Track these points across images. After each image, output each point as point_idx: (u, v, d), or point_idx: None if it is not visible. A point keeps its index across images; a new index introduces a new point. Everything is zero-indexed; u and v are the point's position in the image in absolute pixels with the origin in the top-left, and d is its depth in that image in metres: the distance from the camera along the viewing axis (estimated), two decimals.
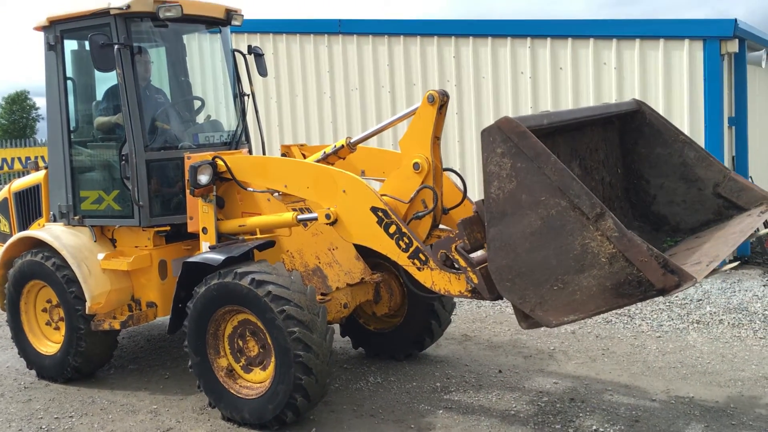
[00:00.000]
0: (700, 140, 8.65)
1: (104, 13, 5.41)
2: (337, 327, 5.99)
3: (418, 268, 4.19)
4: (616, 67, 9.00)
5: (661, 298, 7.45)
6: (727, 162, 8.92)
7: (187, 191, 5.21)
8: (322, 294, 5.15)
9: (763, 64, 9.69)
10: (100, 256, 5.63)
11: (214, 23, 6.10)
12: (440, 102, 4.42)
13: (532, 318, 3.64)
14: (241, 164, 5.14)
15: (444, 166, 4.73)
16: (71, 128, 5.85)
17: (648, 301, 7.47)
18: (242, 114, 6.36)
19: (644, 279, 3.10)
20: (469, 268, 3.93)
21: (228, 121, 6.40)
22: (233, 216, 5.23)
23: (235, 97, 6.38)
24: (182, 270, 4.93)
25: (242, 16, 6.20)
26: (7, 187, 6.80)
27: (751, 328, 6.55)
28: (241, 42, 11.24)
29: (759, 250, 9.69)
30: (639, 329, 6.68)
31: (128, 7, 5.33)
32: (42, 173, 6.28)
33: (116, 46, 5.31)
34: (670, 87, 8.75)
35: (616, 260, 3.15)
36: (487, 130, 3.45)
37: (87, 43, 5.39)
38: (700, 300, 7.50)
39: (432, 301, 5.67)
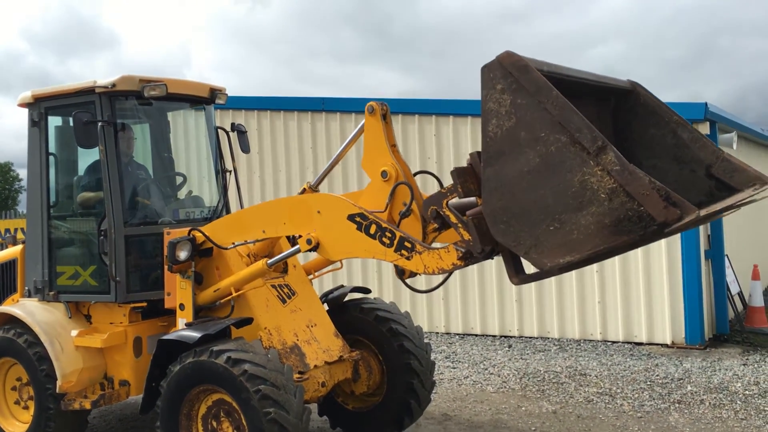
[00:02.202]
0: None
1: (90, 90, 5.50)
2: (314, 406, 5.87)
3: (407, 258, 4.11)
4: None
5: (642, 377, 7.40)
6: (702, 241, 9.06)
7: (165, 267, 5.18)
8: (299, 372, 5.07)
9: (734, 146, 9.96)
10: (74, 332, 5.53)
11: (198, 101, 6.22)
12: (381, 111, 4.52)
13: (523, 273, 3.52)
14: (218, 227, 5.14)
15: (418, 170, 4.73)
16: (51, 203, 5.85)
17: (628, 379, 7.43)
18: (224, 190, 6.40)
19: (645, 213, 2.98)
20: (460, 224, 3.83)
21: (210, 196, 6.43)
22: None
23: (217, 173, 6.44)
24: (157, 347, 4.85)
25: (226, 95, 6.33)
26: None
27: (732, 408, 6.50)
28: (226, 118, 11.41)
29: (738, 329, 9.73)
30: (621, 409, 6.61)
31: (114, 85, 5.43)
32: (19, 247, 6.23)
33: (100, 124, 5.38)
34: None
35: (616, 195, 3.03)
36: (487, 66, 3.33)
37: (71, 120, 5.46)
38: (681, 379, 7.47)
39: (411, 379, 5.59)
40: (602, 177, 3.05)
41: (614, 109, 4.60)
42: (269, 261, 4.93)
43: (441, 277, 4.46)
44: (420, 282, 5.29)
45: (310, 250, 4.53)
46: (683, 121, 4.32)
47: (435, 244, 4.28)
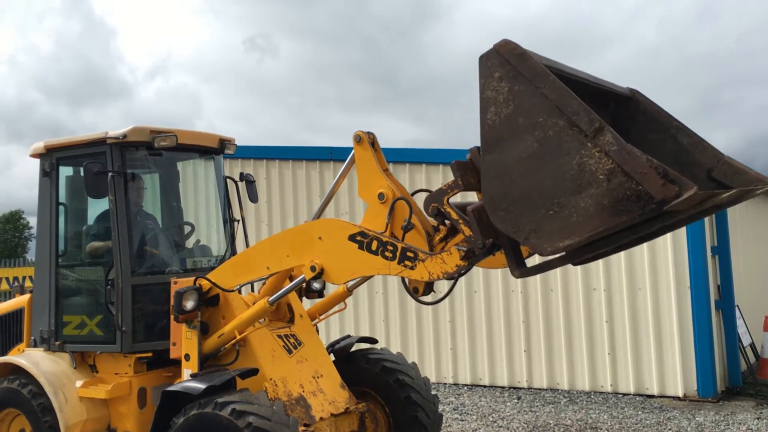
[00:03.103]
0: (684, 270, 8.77)
1: (101, 141, 5.58)
2: None
3: (411, 267, 4.08)
4: None
5: (654, 430, 7.25)
6: (712, 291, 8.99)
7: (172, 316, 5.17)
8: (305, 425, 5.00)
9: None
10: (78, 383, 5.49)
11: (207, 152, 6.29)
12: (368, 139, 4.56)
13: (524, 266, 3.46)
14: (223, 272, 5.13)
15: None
16: (60, 252, 5.88)
17: (641, 426, 7.28)
18: (231, 239, 6.42)
19: (643, 192, 2.95)
20: (461, 220, 3.81)
21: (217, 245, 6.46)
22: None
23: (225, 222, 6.47)
24: (161, 399, 4.80)
25: (235, 145, 6.41)
26: None
27: None
28: (235, 167, 11.54)
29: (751, 381, 9.56)
30: None
31: (125, 136, 5.51)
32: (26, 297, 6.24)
33: (110, 174, 5.44)
34: None
35: (615, 175, 3.01)
36: (485, 55, 3.35)
37: (82, 170, 5.53)
38: None
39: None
40: (600, 158, 3.06)
41: (613, 116, 4.56)
42: (270, 298, 4.92)
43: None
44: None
45: (314, 278, 4.51)
46: (683, 126, 4.30)
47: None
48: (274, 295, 4.96)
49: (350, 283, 5.79)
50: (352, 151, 4.69)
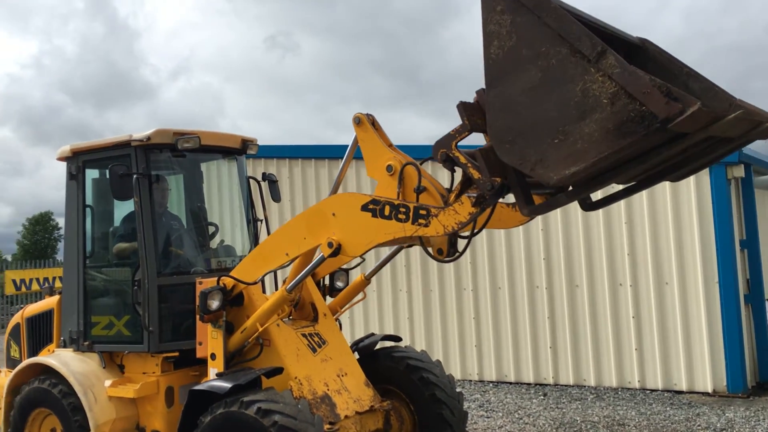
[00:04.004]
0: (713, 264, 8.65)
1: (126, 144, 5.65)
2: None
3: (425, 225, 4.08)
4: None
5: (683, 427, 7.17)
6: (741, 285, 8.85)
7: (197, 316, 5.22)
8: (330, 423, 5.02)
9: None
10: (107, 383, 5.57)
11: (230, 152, 6.34)
12: (368, 120, 4.56)
13: (533, 203, 3.45)
14: (244, 267, 5.16)
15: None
16: (87, 254, 5.97)
17: (669, 430, 7.19)
18: (255, 239, 6.47)
19: (647, 112, 2.91)
20: (469, 164, 3.77)
21: (241, 245, 6.51)
22: None
23: (248, 222, 6.52)
24: (188, 398, 4.85)
25: (257, 145, 6.45)
26: (20, 312, 6.85)
27: None
28: (258, 167, 11.60)
29: None
30: None
31: (149, 138, 5.58)
32: (55, 298, 6.34)
33: (135, 176, 5.51)
34: (679, 211, 8.85)
35: (618, 98, 2.98)
36: None
37: (107, 173, 5.60)
38: (724, 429, 7.21)
39: (443, 430, 5.49)
40: (603, 82, 3.02)
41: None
42: (288, 286, 4.93)
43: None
44: None
45: (332, 255, 4.51)
46: (694, 72, 4.20)
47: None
48: (292, 282, 4.96)
49: (368, 272, 5.81)
50: (354, 135, 4.68)
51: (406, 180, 4.41)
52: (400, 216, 4.18)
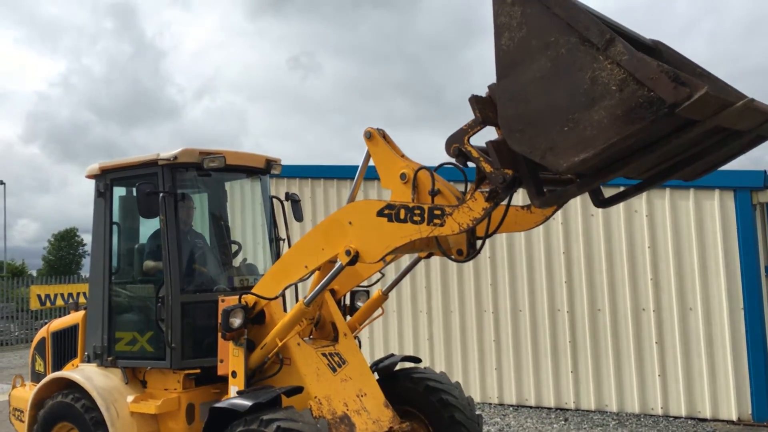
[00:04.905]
0: (738, 290, 8.54)
1: (153, 163, 5.76)
2: None
3: (441, 224, 4.09)
4: (648, 214, 9.09)
5: None
6: (766, 308, 8.72)
7: (219, 334, 5.26)
8: None
9: None
10: (130, 398, 5.63)
11: (255, 172, 6.42)
12: (379, 133, 4.60)
13: (543, 194, 3.46)
14: (265, 283, 5.20)
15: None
16: (113, 270, 6.06)
17: None
18: (277, 257, 6.52)
19: (655, 97, 2.93)
20: (481, 158, 3.78)
21: (263, 264, 6.57)
22: None
23: (271, 241, 6.59)
24: (209, 415, 4.88)
25: (281, 165, 6.53)
26: (46, 326, 6.96)
27: None
28: (281, 186, 11.71)
29: None
30: None
31: (176, 158, 5.68)
32: (81, 313, 6.44)
33: (161, 194, 5.60)
34: (703, 236, 8.77)
35: (626, 84, 3.00)
36: None
37: (134, 191, 5.71)
38: None
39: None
40: (612, 69, 3.04)
41: None
42: (306, 299, 4.96)
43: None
44: None
45: (350, 263, 4.54)
46: (707, 72, 4.20)
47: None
48: (310, 295, 5.00)
49: (385, 287, 5.83)
50: (366, 149, 4.72)
51: (420, 185, 4.44)
52: (415, 218, 4.21)
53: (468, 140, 3.87)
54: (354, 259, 4.53)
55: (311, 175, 12.27)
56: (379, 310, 5.92)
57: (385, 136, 4.70)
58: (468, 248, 4.52)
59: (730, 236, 8.59)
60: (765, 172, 8.62)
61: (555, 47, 3.23)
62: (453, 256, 4.57)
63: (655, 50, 4.40)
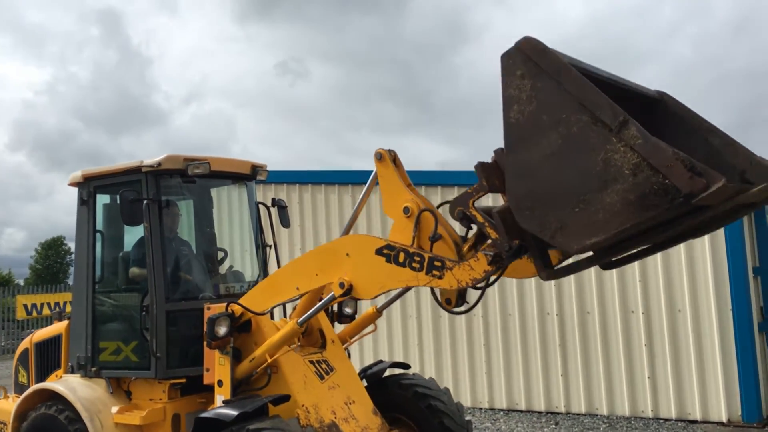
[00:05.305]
0: (726, 292, 8.56)
1: (136, 170, 5.68)
2: None
3: (439, 277, 4.04)
4: None
5: None
6: (755, 313, 8.74)
7: (205, 343, 5.20)
8: None
9: None
10: (114, 409, 5.54)
11: (240, 178, 6.36)
12: (389, 156, 4.56)
13: (551, 267, 3.40)
14: (254, 297, 5.15)
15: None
16: (96, 279, 5.98)
17: None
18: (264, 264, 6.46)
19: (670, 186, 2.86)
20: (486, 223, 3.75)
21: (250, 271, 6.50)
22: None
23: (257, 247, 6.52)
24: (194, 426, 4.80)
25: (267, 171, 6.47)
26: (29, 337, 6.86)
27: None
28: (269, 192, 11.65)
29: None
30: None
31: (159, 164, 5.61)
32: (64, 323, 6.35)
33: (145, 202, 5.53)
34: None
35: (640, 170, 2.93)
36: (507, 53, 3.30)
37: (118, 198, 5.63)
38: None
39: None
40: (625, 153, 2.98)
41: (641, 118, 4.49)
42: (299, 320, 4.91)
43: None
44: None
45: (343, 295, 4.49)
46: (713, 127, 4.16)
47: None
48: (303, 316, 4.96)
49: (380, 304, 5.78)
50: (374, 170, 4.70)
51: (423, 224, 4.39)
52: (414, 264, 4.17)
53: (473, 204, 3.85)
54: (347, 292, 4.48)
55: (299, 180, 12.21)
56: (372, 327, 5.86)
57: (395, 160, 4.65)
58: (457, 299, 4.50)
59: (717, 237, 8.60)
60: None
61: (566, 125, 3.16)
62: (442, 304, 4.55)
63: (661, 102, 4.39)
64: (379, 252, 4.31)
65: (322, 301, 4.88)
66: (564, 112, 3.16)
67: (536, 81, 3.24)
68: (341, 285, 4.47)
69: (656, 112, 4.36)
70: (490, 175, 3.72)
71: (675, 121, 4.30)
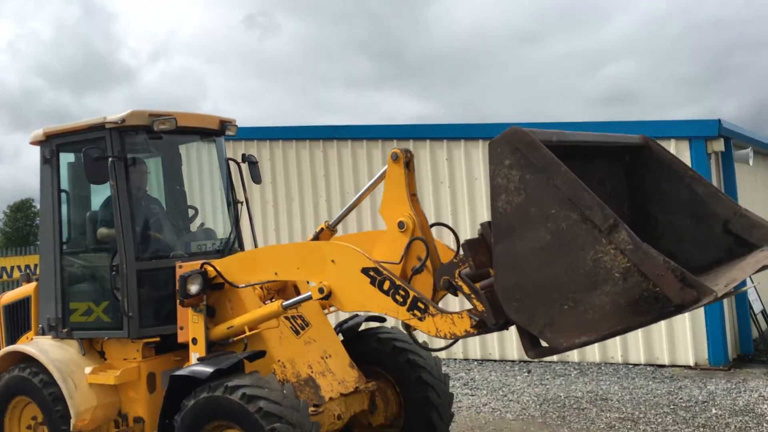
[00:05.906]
0: None
1: (100, 126, 5.52)
2: None
3: (420, 318, 4.06)
4: None
5: (665, 400, 7.24)
6: None
7: (178, 301, 5.15)
8: (314, 405, 4.99)
9: (751, 162, 9.85)
10: (88, 369, 5.49)
11: (208, 134, 6.22)
12: (405, 158, 4.52)
13: (539, 346, 3.43)
14: (231, 264, 5.12)
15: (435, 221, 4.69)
16: (63, 239, 5.85)
17: (651, 404, 7.26)
18: (235, 221, 6.38)
19: (661, 294, 2.89)
20: (473, 295, 3.76)
21: (222, 228, 6.42)
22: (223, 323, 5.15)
23: (228, 204, 6.43)
24: (169, 383, 4.79)
25: (236, 126, 6.34)
26: None
27: (758, 431, 6.32)
28: (239, 148, 11.45)
29: (763, 348, 9.53)
30: None
31: (123, 121, 5.45)
32: (32, 285, 6.23)
33: (110, 159, 5.39)
34: None
35: (631, 275, 2.95)
36: (495, 141, 3.30)
37: (81, 156, 5.48)
38: (705, 402, 7.29)
39: (429, 412, 5.48)
40: (615, 255, 2.98)
41: (628, 166, 4.52)
42: (284, 303, 4.89)
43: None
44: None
45: (321, 299, 4.50)
46: (698, 175, 4.25)
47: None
48: (289, 301, 4.93)
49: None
50: (385, 167, 4.63)
51: (413, 248, 4.41)
52: (397, 297, 4.15)
53: (459, 274, 3.83)
54: (326, 297, 4.47)
55: (269, 136, 12.05)
56: None
57: (408, 164, 4.58)
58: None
59: None
60: (719, 121, 8.71)
61: (555, 220, 3.13)
62: (413, 338, 4.60)
63: (645, 147, 4.41)
64: (365, 272, 4.27)
65: (301, 297, 4.88)
66: (553, 208, 3.13)
67: (524, 172, 3.21)
68: (320, 290, 4.47)
69: (641, 158, 4.39)
70: (476, 252, 3.72)
71: (659, 166, 4.35)
